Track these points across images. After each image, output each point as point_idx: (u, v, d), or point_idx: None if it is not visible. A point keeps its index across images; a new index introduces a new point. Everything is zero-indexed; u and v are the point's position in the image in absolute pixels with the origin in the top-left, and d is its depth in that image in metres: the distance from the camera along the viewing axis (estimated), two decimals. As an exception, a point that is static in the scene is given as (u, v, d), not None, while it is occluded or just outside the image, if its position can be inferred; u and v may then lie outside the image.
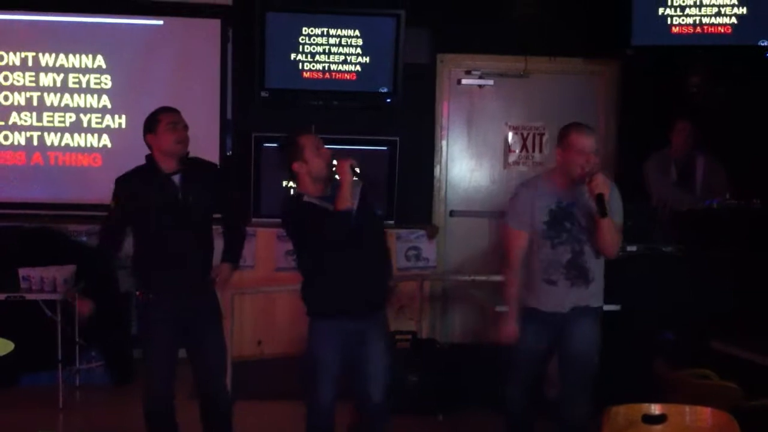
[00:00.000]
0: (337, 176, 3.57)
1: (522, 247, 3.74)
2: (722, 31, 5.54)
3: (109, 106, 5.97)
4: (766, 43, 5.44)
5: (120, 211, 3.76)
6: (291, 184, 5.83)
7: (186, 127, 3.82)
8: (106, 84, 5.96)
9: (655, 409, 2.88)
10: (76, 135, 5.97)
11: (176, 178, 3.75)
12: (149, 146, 3.81)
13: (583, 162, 3.62)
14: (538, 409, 3.91)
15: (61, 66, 5.94)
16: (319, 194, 3.60)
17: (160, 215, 3.71)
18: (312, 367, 3.66)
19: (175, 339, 3.82)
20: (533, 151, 6.43)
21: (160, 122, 3.75)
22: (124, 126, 5.94)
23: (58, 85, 5.94)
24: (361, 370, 3.69)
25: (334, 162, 3.60)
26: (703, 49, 5.60)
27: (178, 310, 3.77)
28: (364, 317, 3.65)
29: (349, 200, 3.50)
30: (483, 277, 5.83)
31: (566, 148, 3.67)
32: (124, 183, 3.79)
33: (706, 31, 5.57)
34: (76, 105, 5.96)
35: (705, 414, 2.87)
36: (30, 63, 5.92)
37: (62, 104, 5.96)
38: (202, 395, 3.93)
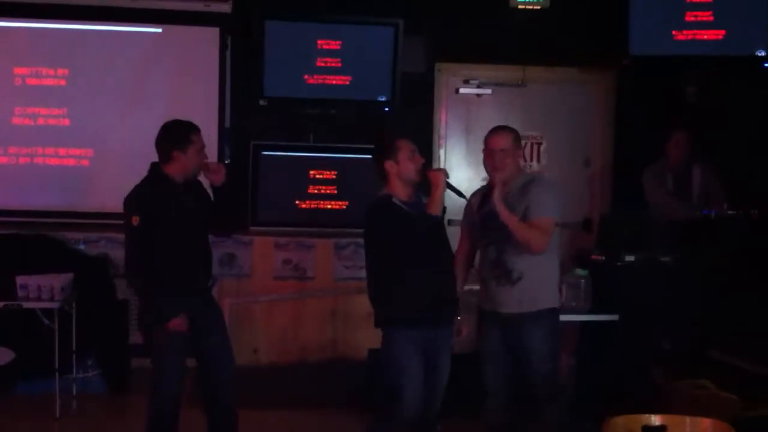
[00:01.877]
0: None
1: (463, 246, 3.96)
2: (718, 40, 5.56)
3: (108, 114, 5.95)
4: (762, 53, 5.46)
5: (143, 225, 3.71)
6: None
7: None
8: (104, 91, 5.94)
9: (655, 419, 2.88)
10: (74, 142, 5.94)
11: (183, 188, 3.83)
12: (169, 159, 3.80)
13: (490, 162, 3.79)
14: (520, 412, 3.92)
15: (60, 73, 5.92)
16: (404, 199, 3.68)
17: (175, 224, 3.74)
18: (397, 376, 3.61)
19: (187, 346, 3.83)
20: (531, 160, 6.42)
21: (192, 144, 3.77)
22: (122, 134, 5.92)
23: (57, 91, 5.92)
24: (428, 381, 3.68)
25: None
26: (700, 58, 5.62)
27: (190, 317, 3.78)
28: (439, 327, 3.69)
29: (440, 207, 3.61)
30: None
31: (483, 150, 3.88)
32: (140, 199, 3.77)
33: (702, 41, 5.58)
34: (74, 112, 5.94)
35: (705, 425, 2.88)
36: (29, 69, 5.89)
37: (60, 111, 5.93)
38: (211, 403, 3.95)
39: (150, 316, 3.81)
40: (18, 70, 5.88)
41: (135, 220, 3.71)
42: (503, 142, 3.81)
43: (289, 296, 5.97)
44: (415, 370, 3.62)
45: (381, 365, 3.75)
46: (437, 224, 3.68)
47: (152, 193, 3.77)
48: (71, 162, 5.94)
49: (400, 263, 3.60)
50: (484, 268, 3.85)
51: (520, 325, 3.73)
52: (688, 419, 2.90)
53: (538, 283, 3.75)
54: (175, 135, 3.80)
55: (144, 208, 3.73)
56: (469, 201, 3.96)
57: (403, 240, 3.57)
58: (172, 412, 3.82)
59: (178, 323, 3.71)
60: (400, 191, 3.69)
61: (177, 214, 3.76)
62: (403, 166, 3.67)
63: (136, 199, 3.77)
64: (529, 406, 3.88)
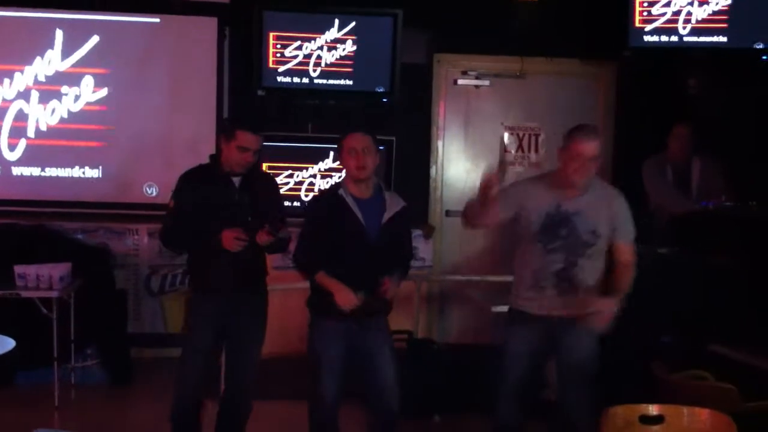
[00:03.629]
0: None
1: (495, 215, 3.55)
2: (718, 33, 5.55)
3: (106, 104, 5.93)
4: (761, 46, 5.45)
5: (179, 208, 3.79)
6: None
7: (256, 153, 3.83)
8: (102, 81, 5.92)
9: (653, 410, 2.88)
10: (72, 132, 5.92)
11: (236, 180, 3.82)
12: (219, 146, 3.89)
13: (577, 168, 3.55)
14: (533, 413, 3.90)
15: (57, 62, 5.90)
16: (358, 195, 3.66)
17: (216, 213, 3.74)
18: (315, 362, 3.68)
19: (215, 339, 3.87)
20: (529, 151, 6.43)
21: (235, 138, 3.77)
22: (120, 124, 5.90)
23: (55, 81, 5.90)
24: (373, 377, 3.71)
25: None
26: (700, 51, 5.61)
27: (222, 310, 3.82)
28: (367, 320, 3.68)
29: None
30: (478, 277, 5.84)
31: (565, 151, 3.61)
32: (188, 179, 3.86)
33: (702, 34, 5.58)
34: (72, 102, 5.91)
35: (703, 415, 2.88)
36: (25, 59, 5.87)
37: (58, 101, 5.91)
38: (226, 394, 4.00)
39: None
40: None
41: (170, 203, 3.83)
42: (592, 149, 3.56)
43: (290, 287, 5.96)
44: (333, 358, 3.65)
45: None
46: (382, 233, 3.65)
47: (200, 176, 3.84)
48: (69, 152, 5.90)
49: (323, 260, 3.63)
50: (540, 276, 3.64)
51: (575, 327, 3.59)
52: (685, 410, 2.90)
53: (596, 290, 3.66)
54: (227, 126, 3.93)
55: (183, 190, 3.82)
56: (519, 183, 3.79)
57: (329, 235, 3.61)
58: (193, 402, 3.85)
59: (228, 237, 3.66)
60: (352, 187, 3.68)
61: (220, 203, 3.77)
62: (345, 165, 3.68)
63: (179, 181, 3.86)
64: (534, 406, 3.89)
